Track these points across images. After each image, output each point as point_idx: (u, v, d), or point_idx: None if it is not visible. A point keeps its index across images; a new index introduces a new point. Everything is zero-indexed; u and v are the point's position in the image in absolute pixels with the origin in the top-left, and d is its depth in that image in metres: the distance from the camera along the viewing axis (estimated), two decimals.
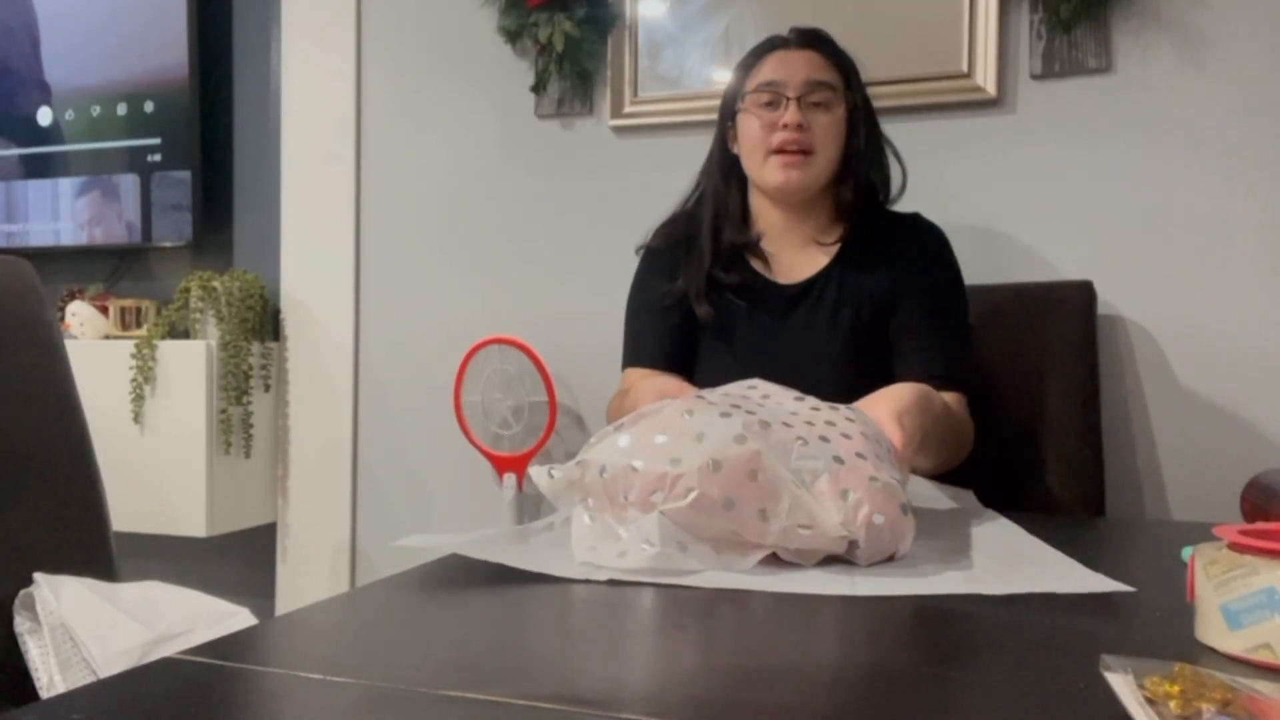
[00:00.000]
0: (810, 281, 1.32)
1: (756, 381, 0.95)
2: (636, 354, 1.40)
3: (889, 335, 1.30)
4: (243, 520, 2.10)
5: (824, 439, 0.81)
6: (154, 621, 1.02)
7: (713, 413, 0.81)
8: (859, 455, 0.80)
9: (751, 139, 1.30)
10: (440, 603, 0.68)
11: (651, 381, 1.21)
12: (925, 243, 1.34)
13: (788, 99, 1.27)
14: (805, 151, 1.27)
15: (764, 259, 1.35)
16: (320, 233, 2.16)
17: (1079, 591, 0.67)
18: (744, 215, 1.38)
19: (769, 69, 1.30)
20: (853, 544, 0.78)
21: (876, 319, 1.30)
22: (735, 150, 1.35)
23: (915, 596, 0.69)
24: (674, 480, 0.77)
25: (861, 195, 1.34)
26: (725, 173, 1.38)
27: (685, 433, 0.79)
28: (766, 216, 1.36)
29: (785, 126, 1.26)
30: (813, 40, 1.32)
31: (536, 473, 0.84)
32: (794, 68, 1.28)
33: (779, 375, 1.22)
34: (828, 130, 1.28)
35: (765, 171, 1.29)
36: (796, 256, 1.35)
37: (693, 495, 0.75)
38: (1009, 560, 0.79)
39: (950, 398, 1.24)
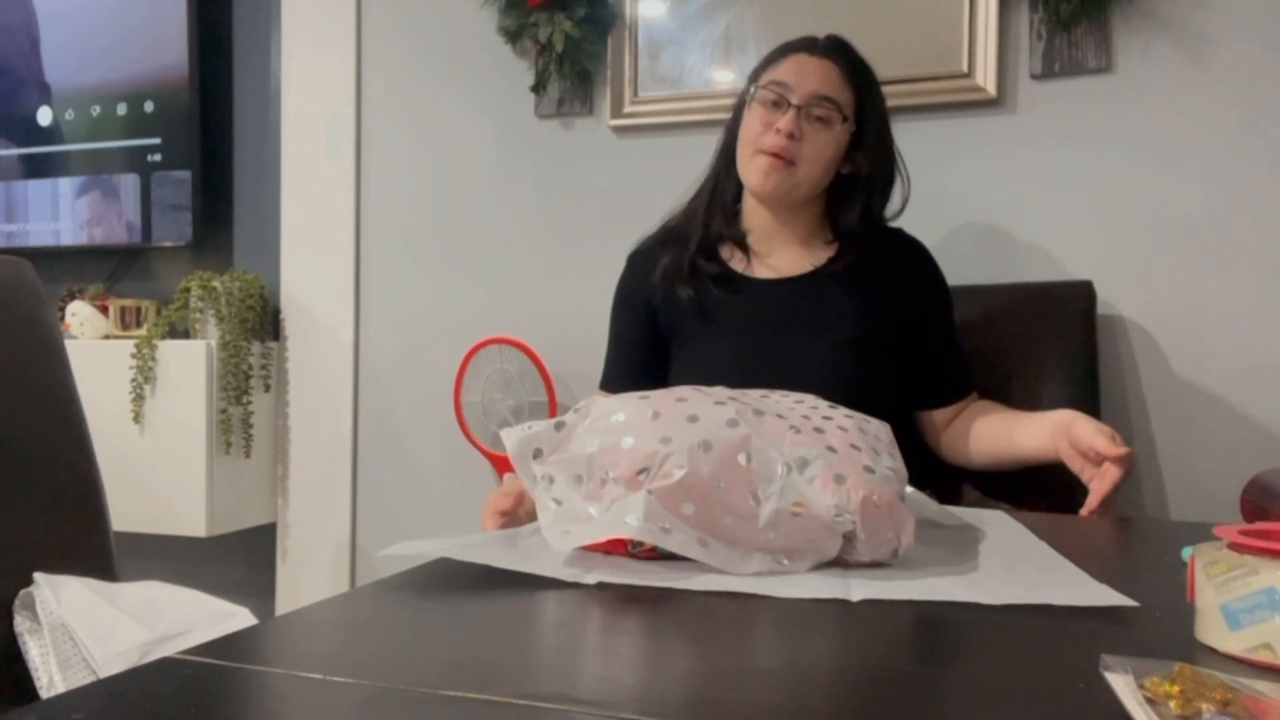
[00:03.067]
0: (793, 280, 1.34)
1: (760, 391, 0.95)
2: (606, 377, 1.47)
3: (905, 356, 1.34)
4: (243, 520, 2.10)
5: (818, 430, 0.81)
6: (154, 621, 1.02)
7: (707, 400, 0.81)
8: (853, 447, 0.80)
9: (746, 132, 1.32)
10: (441, 602, 0.68)
11: None
12: (921, 263, 1.38)
13: (789, 104, 1.28)
14: (789, 160, 1.27)
15: (745, 255, 1.37)
16: (320, 233, 2.16)
17: (1081, 604, 0.67)
18: (736, 207, 1.40)
19: (784, 70, 1.31)
20: (849, 540, 0.77)
21: (869, 330, 1.31)
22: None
23: (912, 600, 0.69)
24: (664, 458, 0.76)
25: (861, 222, 1.34)
26: (729, 160, 1.39)
27: (678, 414, 0.79)
28: (755, 214, 1.38)
29: (778, 131, 1.27)
30: (836, 52, 1.32)
31: (508, 432, 0.83)
32: (806, 76, 1.29)
33: (763, 363, 1.24)
34: (820, 146, 1.29)
35: (749, 169, 1.31)
36: (781, 256, 1.36)
37: (681, 473, 0.75)
38: (1013, 567, 0.78)
39: (970, 399, 1.39)
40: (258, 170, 2.27)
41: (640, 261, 1.43)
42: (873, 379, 1.30)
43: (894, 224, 1.41)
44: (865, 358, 1.30)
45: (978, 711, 0.47)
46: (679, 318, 1.37)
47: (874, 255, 1.34)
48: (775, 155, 1.27)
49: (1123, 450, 1.07)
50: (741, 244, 1.37)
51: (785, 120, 1.27)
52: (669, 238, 1.40)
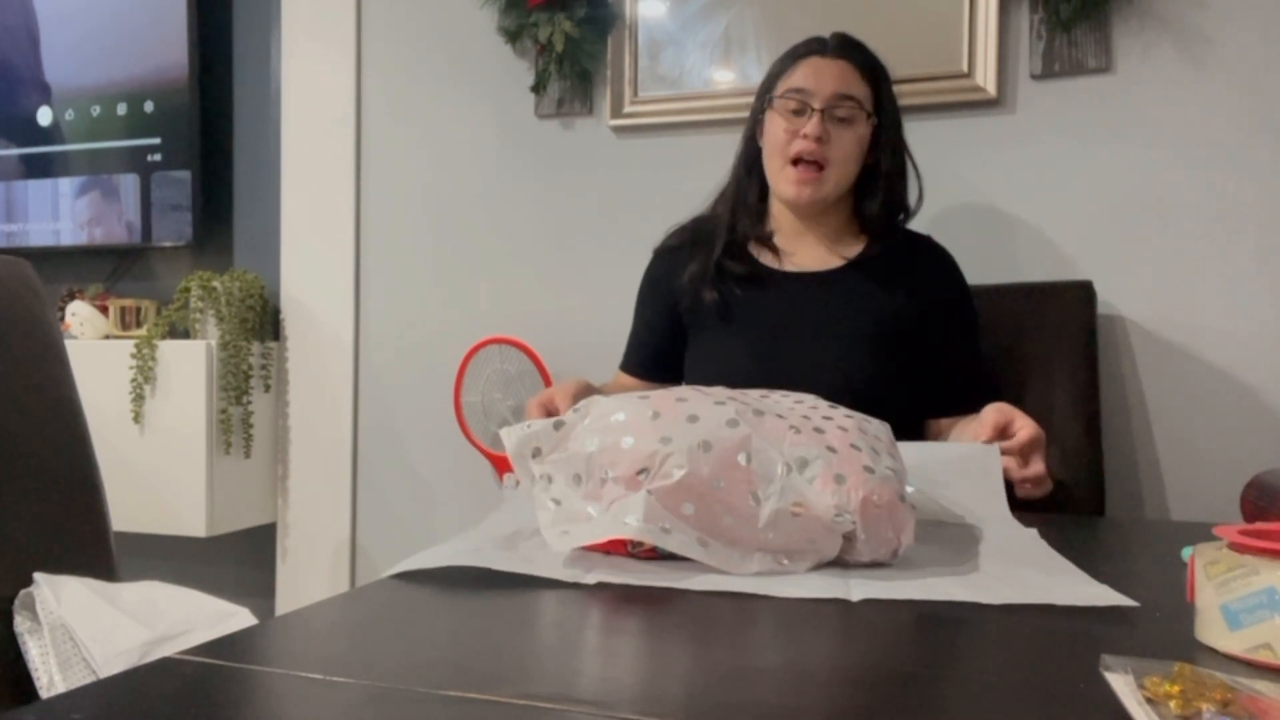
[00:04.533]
0: (824, 274, 1.35)
1: (760, 391, 0.95)
2: (626, 358, 1.50)
3: (926, 359, 1.34)
4: (243, 520, 2.10)
5: (818, 430, 0.81)
6: (154, 621, 1.02)
7: (707, 400, 0.81)
8: (853, 447, 0.80)
9: (773, 142, 1.33)
10: (440, 603, 0.68)
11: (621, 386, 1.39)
12: (949, 270, 1.39)
13: (813, 109, 1.29)
14: (819, 165, 1.29)
15: (775, 253, 1.38)
16: (320, 233, 2.16)
17: (1081, 604, 0.67)
18: (761, 209, 1.41)
19: (801, 75, 1.32)
20: (849, 540, 0.77)
21: (895, 329, 1.32)
22: (761, 144, 1.38)
23: (912, 601, 0.69)
24: (663, 458, 0.76)
25: (884, 211, 1.37)
26: (749, 165, 1.41)
27: (678, 414, 0.79)
28: (783, 216, 1.39)
29: (805, 136, 1.28)
30: (849, 51, 1.34)
31: (507, 430, 0.84)
32: (824, 78, 1.30)
33: (785, 359, 1.26)
34: (847, 144, 1.30)
35: (780, 181, 1.33)
36: (810, 254, 1.38)
37: (681, 473, 0.75)
38: (1013, 567, 0.78)
39: None
40: (258, 170, 2.27)
41: (668, 259, 1.44)
42: (889, 377, 1.31)
43: (918, 227, 1.43)
44: (883, 356, 1.31)
45: (978, 711, 0.47)
46: (703, 320, 1.39)
47: (901, 256, 1.36)
48: (805, 161, 1.29)
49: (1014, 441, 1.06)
50: (769, 243, 1.38)
51: (811, 125, 1.28)
52: (697, 239, 1.42)
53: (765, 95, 1.36)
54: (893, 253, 1.36)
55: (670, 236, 1.46)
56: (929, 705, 0.48)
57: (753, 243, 1.39)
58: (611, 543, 0.78)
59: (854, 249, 1.36)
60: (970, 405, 1.31)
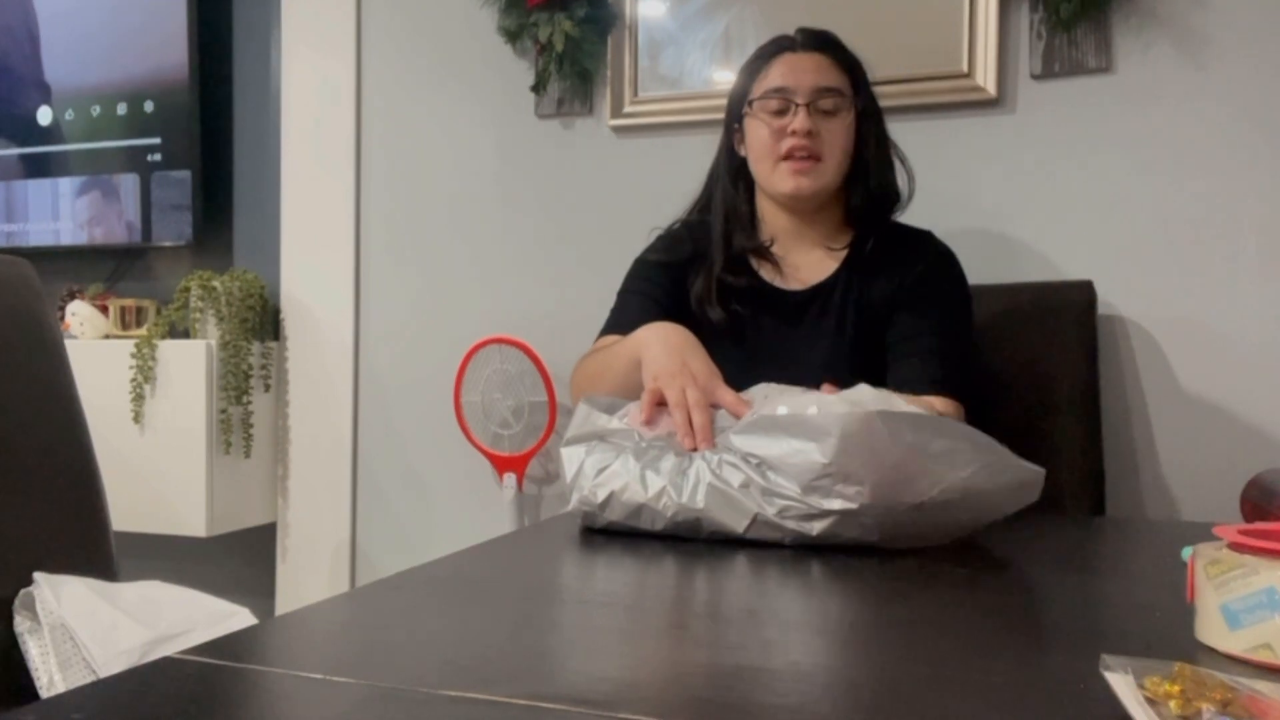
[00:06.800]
0: (818, 287, 1.32)
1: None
2: (617, 324, 1.34)
3: (886, 342, 1.30)
4: (243, 520, 2.10)
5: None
6: (154, 621, 1.02)
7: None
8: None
9: (760, 146, 1.29)
10: (440, 603, 0.68)
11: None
12: (932, 258, 1.33)
13: (796, 105, 1.26)
14: (814, 158, 1.26)
15: (774, 264, 1.34)
16: (320, 233, 2.16)
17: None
18: (753, 219, 1.37)
19: (777, 74, 1.28)
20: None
21: (880, 327, 1.30)
22: (742, 153, 1.35)
23: (914, 601, 0.69)
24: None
25: (872, 201, 1.33)
26: (734, 176, 1.37)
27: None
28: (775, 221, 1.35)
29: (794, 133, 1.25)
30: (821, 43, 1.31)
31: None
32: (802, 73, 1.27)
33: (786, 379, 1.25)
34: (836, 136, 1.28)
35: (775, 179, 1.29)
36: (805, 260, 1.34)
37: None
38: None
39: (942, 404, 1.20)
40: (258, 170, 2.27)
41: (660, 270, 1.38)
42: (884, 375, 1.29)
43: (922, 226, 1.39)
44: (876, 364, 1.28)
45: (978, 712, 0.47)
46: (708, 337, 1.33)
47: (895, 250, 1.32)
48: (799, 157, 1.26)
49: None
50: (766, 254, 1.34)
51: (799, 120, 1.25)
52: (682, 258, 1.36)
53: (742, 101, 1.32)
54: (885, 249, 1.32)
55: (654, 250, 1.40)
56: (929, 705, 0.48)
57: (750, 255, 1.35)
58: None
59: (842, 242, 1.33)
60: (916, 384, 1.22)
